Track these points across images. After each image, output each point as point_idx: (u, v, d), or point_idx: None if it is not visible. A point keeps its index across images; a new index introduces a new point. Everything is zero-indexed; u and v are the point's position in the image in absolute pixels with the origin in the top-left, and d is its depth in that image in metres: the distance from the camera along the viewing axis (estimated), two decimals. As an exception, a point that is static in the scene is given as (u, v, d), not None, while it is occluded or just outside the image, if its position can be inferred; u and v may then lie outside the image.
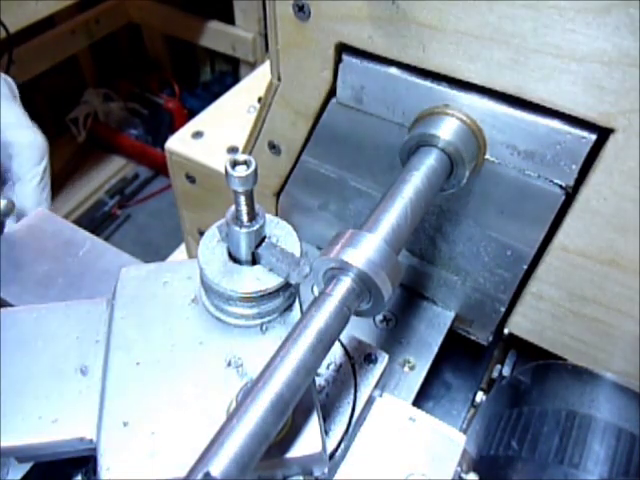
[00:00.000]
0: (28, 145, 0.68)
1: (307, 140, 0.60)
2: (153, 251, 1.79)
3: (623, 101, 0.40)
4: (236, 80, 0.95)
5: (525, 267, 0.55)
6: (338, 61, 0.51)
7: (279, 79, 0.56)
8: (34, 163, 0.68)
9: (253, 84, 0.89)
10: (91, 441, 0.38)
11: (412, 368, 0.60)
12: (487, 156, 0.49)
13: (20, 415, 0.39)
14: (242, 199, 0.38)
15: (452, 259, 0.60)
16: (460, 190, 0.49)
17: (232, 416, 0.31)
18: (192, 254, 0.95)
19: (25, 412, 0.39)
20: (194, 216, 0.86)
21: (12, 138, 0.67)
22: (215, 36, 1.76)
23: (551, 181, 0.48)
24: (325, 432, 0.42)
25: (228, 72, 2.00)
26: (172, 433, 0.37)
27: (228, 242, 0.42)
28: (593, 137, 0.43)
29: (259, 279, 0.41)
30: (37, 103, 1.88)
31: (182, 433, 0.37)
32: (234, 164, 0.36)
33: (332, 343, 0.36)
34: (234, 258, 0.42)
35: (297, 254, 0.42)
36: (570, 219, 0.48)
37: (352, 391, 0.45)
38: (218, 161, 0.74)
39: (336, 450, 0.42)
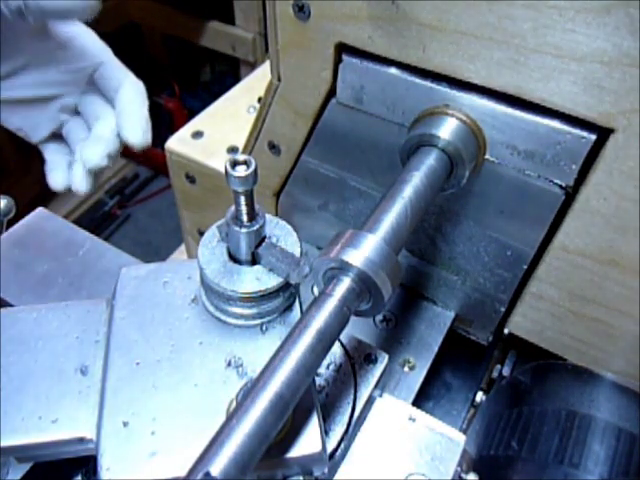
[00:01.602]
0: (135, 82, 0.61)
1: (307, 140, 0.60)
2: (153, 251, 1.79)
3: (623, 101, 0.39)
4: (236, 80, 0.94)
5: (525, 267, 0.55)
6: (338, 61, 0.51)
7: (279, 79, 0.56)
8: (142, 100, 0.61)
9: (253, 84, 0.89)
10: (91, 441, 0.38)
11: (412, 368, 0.60)
12: (487, 156, 0.49)
13: (20, 415, 0.39)
14: (242, 199, 0.38)
15: (452, 259, 0.60)
16: (460, 190, 0.49)
17: (232, 416, 0.31)
18: (192, 254, 0.95)
19: (25, 412, 0.39)
20: (194, 216, 0.86)
21: (120, 74, 0.61)
22: (215, 36, 1.76)
23: (551, 181, 0.47)
24: (325, 432, 0.42)
25: (228, 72, 2.00)
26: (172, 433, 0.37)
27: (228, 242, 0.42)
28: (593, 137, 0.43)
29: (259, 279, 0.41)
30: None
31: (182, 433, 0.37)
32: (234, 164, 0.36)
33: (332, 343, 0.36)
34: (234, 258, 0.42)
35: (297, 254, 0.42)
36: (570, 219, 0.48)
37: (352, 391, 0.45)
38: (218, 161, 0.73)
39: (336, 450, 0.42)
